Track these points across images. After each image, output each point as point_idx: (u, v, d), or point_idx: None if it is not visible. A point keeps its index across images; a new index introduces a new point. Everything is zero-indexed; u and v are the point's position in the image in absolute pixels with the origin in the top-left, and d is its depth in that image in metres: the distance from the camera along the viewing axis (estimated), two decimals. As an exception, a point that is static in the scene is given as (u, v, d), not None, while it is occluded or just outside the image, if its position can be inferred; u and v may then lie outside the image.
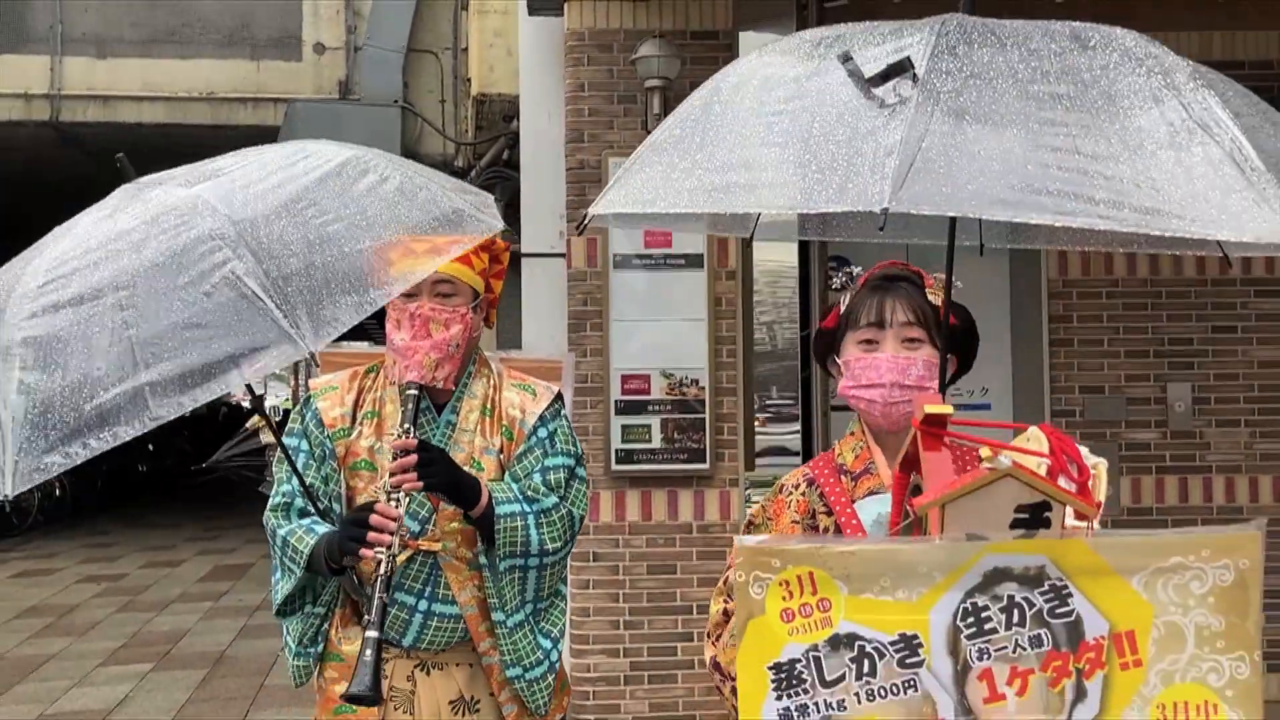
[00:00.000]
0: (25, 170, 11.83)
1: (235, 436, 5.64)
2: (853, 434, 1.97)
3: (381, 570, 2.04)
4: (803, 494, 1.93)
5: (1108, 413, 5.58)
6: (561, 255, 5.31)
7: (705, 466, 5.01)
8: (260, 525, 2.37)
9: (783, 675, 1.43)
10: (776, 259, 5.42)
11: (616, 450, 5.02)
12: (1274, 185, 1.49)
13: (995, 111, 1.52)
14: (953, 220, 1.80)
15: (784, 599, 1.43)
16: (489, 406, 2.30)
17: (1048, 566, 1.42)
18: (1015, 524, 1.45)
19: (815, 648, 1.43)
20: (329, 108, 9.77)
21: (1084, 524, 1.49)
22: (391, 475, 2.09)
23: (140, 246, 1.87)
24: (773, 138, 1.61)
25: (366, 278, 1.87)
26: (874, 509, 1.86)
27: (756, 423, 5.22)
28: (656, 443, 5.05)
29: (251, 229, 1.85)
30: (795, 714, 1.42)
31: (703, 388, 5.05)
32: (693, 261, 5.10)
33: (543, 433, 2.30)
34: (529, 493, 2.23)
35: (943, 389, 1.85)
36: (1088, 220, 1.46)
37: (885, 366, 1.84)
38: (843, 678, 1.43)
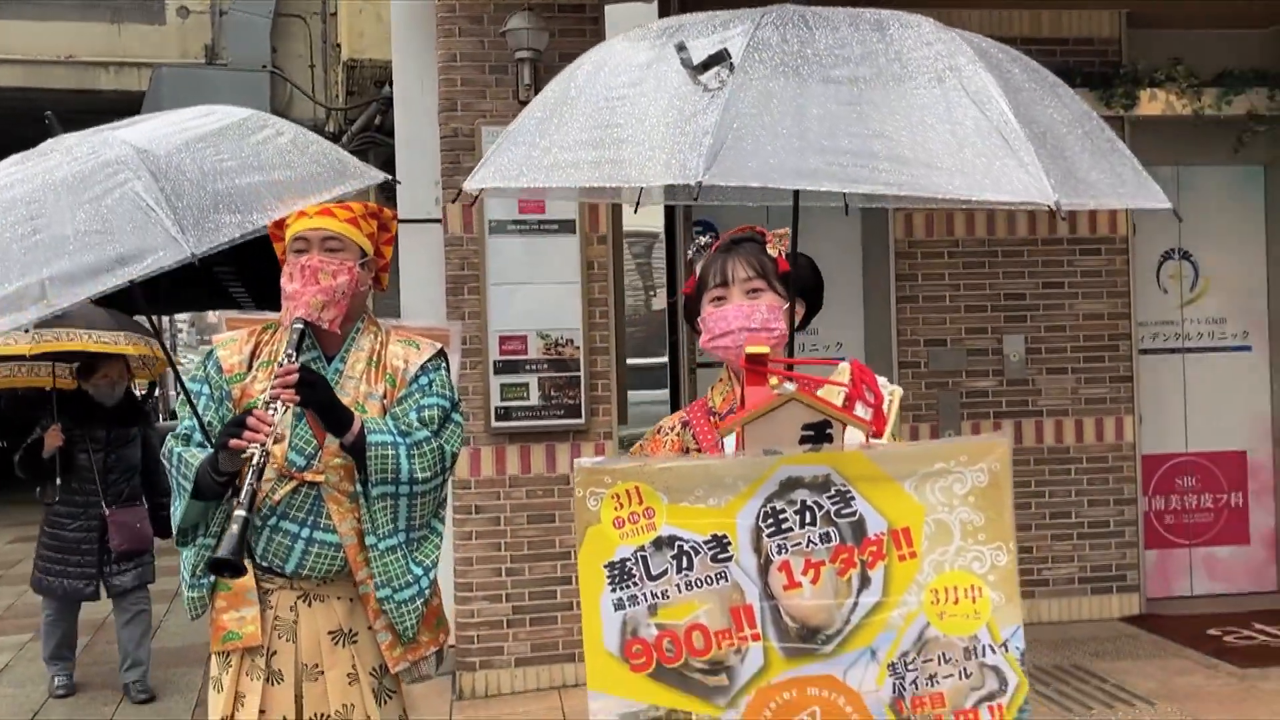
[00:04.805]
0: None
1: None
2: (722, 380, 2.24)
3: (254, 462, 2.28)
4: (678, 434, 2.20)
5: (949, 363, 6.06)
6: (438, 221, 5.44)
7: (581, 421, 5.28)
8: None
9: (616, 572, 1.70)
10: (644, 224, 5.70)
11: (496, 408, 5.25)
12: (1031, 153, 1.76)
13: (799, 95, 1.79)
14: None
15: (616, 509, 1.69)
16: (375, 359, 2.57)
17: (832, 475, 1.69)
18: (803, 439, 1.73)
19: (642, 548, 1.70)
20: (195, 73, 9.61)
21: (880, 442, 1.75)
22: (272, 388, 2.34)
23: (53, 171, 2.18)
24: (615, 119, 1.86)
25: (252, 204, 2.19)
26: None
27: (628, 380, 5.51)
28: (534, 400, 5.29)
29: (152, 158, 2.16)
30: (627, 603, 1.70)
31: (577, 347, 5.30)
32: (565, 227, 5.32)
33: (423, 380, 2.56)
34: (403, 427, 2.48)
35: (794, 332, 2.13)
36: (872, 186, 1.72)
37: (732, 315, 2.10)
38: (665, 572, 1.70)
